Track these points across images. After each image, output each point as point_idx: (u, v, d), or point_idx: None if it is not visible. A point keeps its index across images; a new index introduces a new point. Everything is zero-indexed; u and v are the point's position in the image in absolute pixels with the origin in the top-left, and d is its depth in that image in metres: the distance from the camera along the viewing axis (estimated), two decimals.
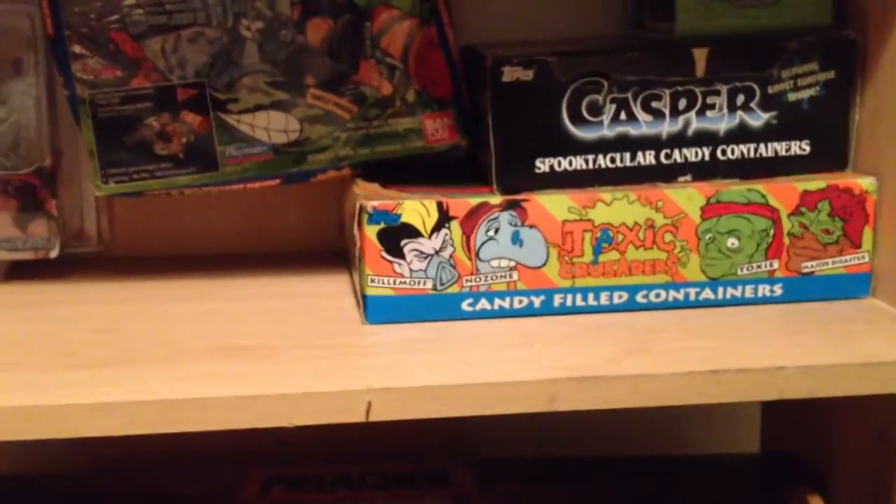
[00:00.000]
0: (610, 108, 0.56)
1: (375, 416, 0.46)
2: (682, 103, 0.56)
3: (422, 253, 0.54)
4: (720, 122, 0.56)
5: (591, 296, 0.55)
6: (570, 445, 0.72)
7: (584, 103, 0.56)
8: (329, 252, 0.68)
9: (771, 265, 0.56)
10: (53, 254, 0.62)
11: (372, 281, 0.54)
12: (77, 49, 0.57)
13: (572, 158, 0.56)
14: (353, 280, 0.61)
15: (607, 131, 0.56)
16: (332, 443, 0.63)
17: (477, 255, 0.55)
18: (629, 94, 0.56)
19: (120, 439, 0.46)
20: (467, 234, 0.55)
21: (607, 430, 0.72)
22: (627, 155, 0.56)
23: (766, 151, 0.57)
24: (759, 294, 0.56)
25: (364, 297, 0.55)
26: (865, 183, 0.56)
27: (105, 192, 0.59)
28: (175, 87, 0.58)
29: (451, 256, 0.55)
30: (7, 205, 0.61)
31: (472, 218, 0.55)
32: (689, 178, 0.57)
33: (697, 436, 0.75)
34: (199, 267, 0.65)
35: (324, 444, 0.64)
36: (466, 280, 0.55)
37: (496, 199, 0.55)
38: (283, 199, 0.68)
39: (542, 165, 0.56)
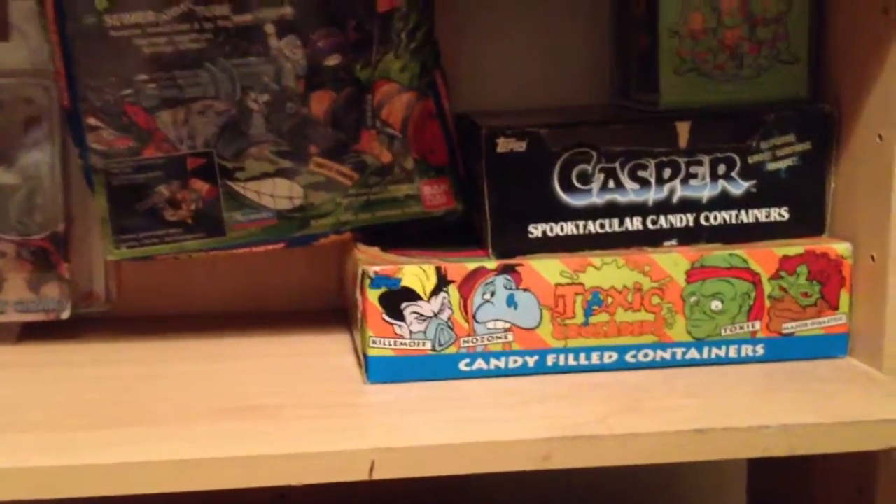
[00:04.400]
0: (599, 177, 0.59)
1: (378, 475, 0.49)
2: (667, 172, 0.59)
3: (421, 315, 0.57)
4: (703, 190, 0.60)
5: (582, 356, 0.58)
6: (563, 498, 0.74)
7: (575, 172, 0.59)
8: (329, 310, 0.70)
9: (753, 326, 0.59)
10: (65, 315, 0.64)
11: (373, 342, 0.57)
12: (92, 121, 0.60)
13: (563, 224, 0.59)
14: (353, 339, 0.64)
15: (597, 199, 0.59)
16: (333, 494, 0.65)
17: (474, 317, 0.57)
18: (617, 164, 0.59)
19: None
20: (465, 298, 0.57)
21: (599, 484, 0.74)
22: (616, 221, 0.59)
23: (748, 218, 0.60)
24: (743, 354, 0.59)
25: (366, 357, 0.57)
26: (841, 248, 0.59)
27: (117, 256, 0.61)
28: (185, 157, 0.61)
29: (449, 319, 0.57)
30: (21, 268, 0.64)
31: (469, 282, 0.57)
32: (674, 242, 0.60)
33: (686, 490, 0.77)
34: (204, 326, 0.67)
35: (326, 496, 0.66)
36: (464, 341, 0.57)
37: (492, 264, 0.57)
38: (286, 261, 0.71)
39: (535, 231, 0.59)
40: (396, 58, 0.61)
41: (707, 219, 0.60)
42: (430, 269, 0.57)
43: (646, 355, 0.58)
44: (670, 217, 0.60)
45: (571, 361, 0.58)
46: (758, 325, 0.59)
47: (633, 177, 0.59)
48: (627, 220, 0.59)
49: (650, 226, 0.59)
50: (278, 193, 0.62)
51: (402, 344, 0.57)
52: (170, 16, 0.59)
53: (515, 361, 0.58)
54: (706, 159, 0.59)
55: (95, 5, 0.59)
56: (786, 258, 0.58)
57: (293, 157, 0.61)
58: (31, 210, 0.64)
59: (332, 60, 0.61)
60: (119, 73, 0.59)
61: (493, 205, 0.59)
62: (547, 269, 0.57)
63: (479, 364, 0.58)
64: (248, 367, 0.60)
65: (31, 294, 0.64)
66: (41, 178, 0.63)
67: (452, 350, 0.57)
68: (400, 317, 0.57)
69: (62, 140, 0.64)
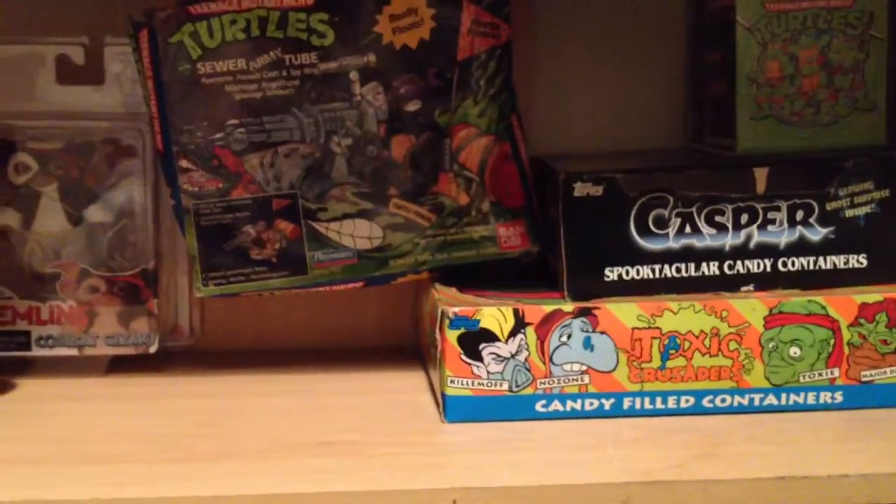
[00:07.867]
0: (675, 222, 0.60)
1: None
2: (744, 218, 0.60)
3: (499, 356, 0.58)
4: (780, 236, 0.60)
5: (658, 400, 0.58)
6: None
7: (651, 217, 0.59)
8: (403, 348, 0.72)
9: (832, 373, 0.59)
10: (153, 349, 0.67)
11: (451, 382, 0.58)
12: (184, 164, 0.62)
13: (640, 268, 0.60)
14: (428, 377, 0.65)
15: (673, 243, 0.60)
16: None
17: (550, 358, 0.58)
18: (693, 209, 0.59)
19: None
20: (541, 339, 0.58)
21: None
22: (692, 265, 0.60)
23: (825, 264, 0.60)
24: (821, 401, 0.59)
25: (444, 396, 0.58)
26: None
27: (205, 293, 0.63)
28: (271, 198, 0.63)
29: (526, 360, 0.58)
30: (112, 303, 0.66)
31: (546, 324, 0.58)
32: (751, 287, 0.60)
33: None
34: (283, 361, 0.69)
35: None
36: (540, 382, 0.58)
37: (569, 307, 0.58)
38: (361, 298, 0.73)
39: (611, 274, 0.60)
40: (475, 104, 0.63)
41: (784, 265, 0.60)
42: (508, 311, 0.58)
43: (723, 401, 0.58)
44: (747, 262, 0.60)
45: (648, 405, 0.58)
46: (836, 371, 0.58)
47: (710, 222, 0.60)
48: (704, 264, 0.60)
49: (727, 271, 0.60)
50: (359, 234, 0.63)
51: (479, 384, 0.58)
52: (260, 64, 0.62)
53: (591, 404, 0.58)
54: (784, 205, 0.60)
55: (189, 54, 0.61)
56: (865, 305, 0.58)
57: (373, 199, 0.63)
58: (122, 247, 0.66)
59: (413, 106, 0.63)
60: (210, 119, 0.62)
61: (570, 248, 0.60)
62: (624, 312, 0.58)
63: (556, 405, 0.58)
64: (327, 403, 0.62)
65: (121, 328, 0.66)
66: (134, 216, 0.66)
67: (529, 391, 0.58)
68: (478, 357, 0.58)
69: (154, 181, 0.66)
